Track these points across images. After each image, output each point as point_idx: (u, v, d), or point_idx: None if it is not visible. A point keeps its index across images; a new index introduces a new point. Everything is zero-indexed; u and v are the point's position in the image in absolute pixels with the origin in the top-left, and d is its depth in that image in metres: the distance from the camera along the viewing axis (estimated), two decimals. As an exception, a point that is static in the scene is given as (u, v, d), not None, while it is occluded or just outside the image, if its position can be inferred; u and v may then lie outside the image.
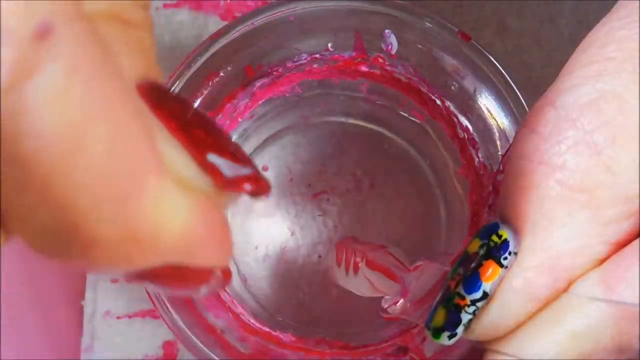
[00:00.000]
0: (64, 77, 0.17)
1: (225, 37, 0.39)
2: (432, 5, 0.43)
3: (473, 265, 0.28)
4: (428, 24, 0.39)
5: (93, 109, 0.17)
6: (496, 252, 0.28)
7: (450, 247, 0.42)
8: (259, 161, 0.44)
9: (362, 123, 0.44)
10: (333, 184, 0.44)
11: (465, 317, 0.28)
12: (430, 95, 0.40)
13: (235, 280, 0.42)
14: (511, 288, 0.28)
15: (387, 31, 0.39)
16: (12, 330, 0.43)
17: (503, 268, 0.28)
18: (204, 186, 0.21)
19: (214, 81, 0.39)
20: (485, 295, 0.28)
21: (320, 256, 0.43)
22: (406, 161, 0.44)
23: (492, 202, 0.38)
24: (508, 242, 0.28)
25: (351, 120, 0.44)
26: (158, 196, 0.19)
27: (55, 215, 0.18)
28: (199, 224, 0.21)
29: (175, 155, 0.21)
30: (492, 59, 0.38)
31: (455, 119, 0.40)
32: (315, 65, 0.41)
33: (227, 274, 0.24)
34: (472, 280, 0.28)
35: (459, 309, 0.28)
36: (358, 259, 0.37)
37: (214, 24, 0.45)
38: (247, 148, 0.43)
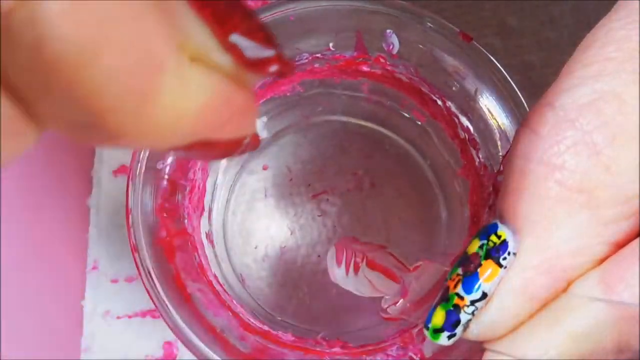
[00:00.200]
0: None
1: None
2: (432, 5, 0.43)
3: (472, 265, 0.28)
4: (429, 24, 0.39)
5: (108, 8, 0.18)
6: (495, 252, 0.28)
7: (450, 247, 0.42)
8: (259, 161, 0.44)
9: (362, 123, 0.44)
10: (333, 184, 0.44)
11: (464, 318, 0.28)
12: (431, 95, 0.40)
13: (235, 280, 0.42)
14: (510, 288, 0.28)
15: (388, 31, 0.39)
16: (12, 330, 0.43)
17: (502, 268, 0.28)
18: (227, 64, 0.21)
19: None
20: (484, 296, 0.28)
21: (319, 256, 0.43)
22: (407, 161, 0.44)
23: (492, 202, 0.38)
24: (507, 242, 0.28)
25: (352, 120, 0.44)
26: (178, 80, 0.20)
27: (81, 112, 0.19)
28: (221, 103, 0.21)
29: (198, 33, 0.21)
30: (493, 60, 0.38)
31: (456, 119, 0.40)
32: (316, 65, 0.41)
33: (255, 139, 0.24)
34: (471, 281, 0.28)
35: (458, 309, 0.28)
36: (358, 259, 0.37)
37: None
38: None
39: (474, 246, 0.29)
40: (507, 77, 0.38)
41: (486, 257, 0.28)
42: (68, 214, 0.46)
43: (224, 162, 0.44)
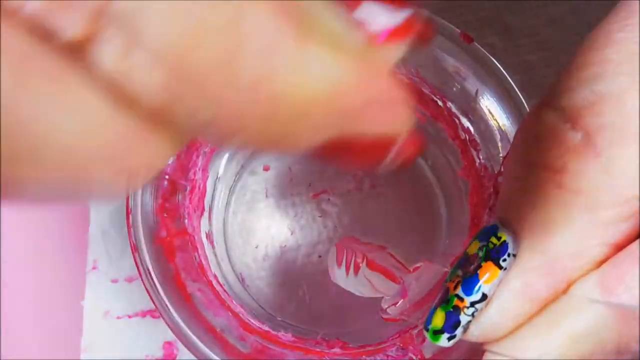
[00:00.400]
0: None
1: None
2: (432, 5, 0.42)
3: (472, 267, 0.28)
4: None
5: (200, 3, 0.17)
6: (495, 253, 0.28)
7: (450, 248, 0.42)
8: (260, 161, 0.44)
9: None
10: (334, 184, 0.44)
11: (464, 319, 0.28)
12: (432, 96, 0.40)
13: (235, 280, 0.42)
14: (510, 290, 0.28)
15: (389, 32, 0.39)
16: (12, 330, 0.43)
17: (502, 270, 0.28)
18: (358, 44, 0.19)
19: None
20: (484, 297, 0.28)
21: (320, 256, 0.43)
22: (407, 162, 0.44)
23: (492, 203, 0.38)
24: (507, 243, 0.28)
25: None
26: (299, 65, 0.18)
27: (200, 109, 0.18)
28: (354, 86, 0.19)
29: (324, 13, 0.19)
30: (494, 61, 0.38)
31: (456, 120, 0.40)
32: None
33: (414, 141, 0.22)
34: (471, 282, 0.28)
35: (458, 310, 0.28)
36: (358, 260, 0.37)
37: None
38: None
39: (474, 247, 0.29)
40: (508, 77, 0.38)
41: (486, 258, 0.28)
42: (68, 214, 0.46)
43: (223, 162, 0.44)
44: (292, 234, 0.43)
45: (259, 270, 0.43)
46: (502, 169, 0.37)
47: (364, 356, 0.39)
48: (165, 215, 0.38)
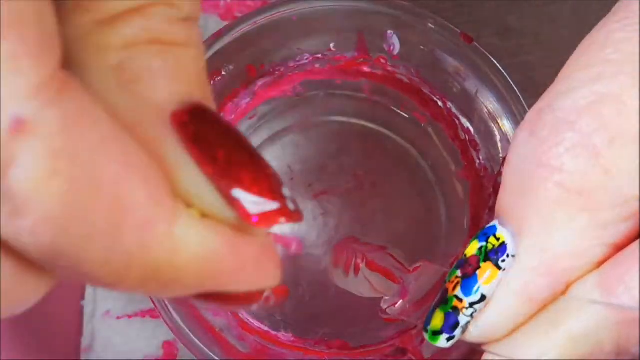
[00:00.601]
0: (47, 161, 0.17)
1: (227, 36, 0.39)
2: (432, 5, 0.43)
3: (471, 267, 0.28)
4: (430, 25, 0.39)
5: (86, 180, 0.18)
6: (494, 254, 0.28)
7: (450, 248, 0.42)
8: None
9: (363, 123, 0.44)
10: (334, 184, 0.44)
11: (463, 320, 0.28)
12: (432, 96, 0.40)
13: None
14: (509, 290, 0.28)
15: (389, 32, 0.39)
16: (12, 330, 0.43)
17: (501, 270, 0.28)
18: (233, 217, 0.21)
19: (216, 80, 0.39)
20: (483, 298, 0.28)
21: (319, 256, 0.43)
22: (407, 162, 0.44)
23: (492, 204, 0.38)
24: (506, 244, 0.28)
25: (352, 121, 0.44)
26: (172, 240, 0.20)
27: (76, 269, 0.19)
28: (225, 255, 0.21)
29: (201, 187, 0.21)
30: (494, 61, 0.38)
31: (456, 121, 0.40)
32: (317, 65, 0.41)
33: (280, 292, 0.24)
34: (470, 283, 0.28)
35: (457, 311, 0.28)
36: (358, 260, 0.37)
37: (214, 23, 0.45)
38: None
39: (473, 248, 0.29)
40: (508, 78, 0.38)
41: (485, 259, 0.28)
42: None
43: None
44: (292, 234, 0.43)
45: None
46: (502, 170, 0.37)
47: (363, 356, 0.39)
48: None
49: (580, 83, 0.27)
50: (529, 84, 0.44)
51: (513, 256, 0.28)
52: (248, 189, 0.21)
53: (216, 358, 0.36)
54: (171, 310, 0.37)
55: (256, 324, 0.39)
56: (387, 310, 0.35)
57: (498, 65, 0.38)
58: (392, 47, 0.39)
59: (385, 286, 0.36)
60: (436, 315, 0.29)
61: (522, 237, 0.28)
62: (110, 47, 0.20)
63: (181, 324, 0.37)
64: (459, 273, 0.29)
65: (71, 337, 0.43)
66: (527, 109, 0.38)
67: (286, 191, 0.21)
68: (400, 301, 0.34)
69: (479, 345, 0.29)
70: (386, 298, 0.35)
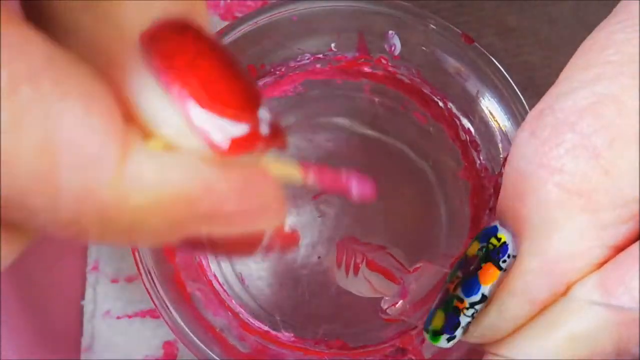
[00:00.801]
0: None
1: (228, 36, 0.39)
2: (432, 5, 0.43)
3: (472, 268, 0.28)
4: (431, 26, 0.39)
5: (11, 114, 0.16)
6: (495, 255, 0.28)
7: (450, 248, 0.42)
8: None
9: (363, 124, 0.44)
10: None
11: (464, 320, 0.28)
12: (433, 97, 0.40)
13: (235, 280, 0.42)
14: (510, 291, 0.28)
15: (390, 32, 0.39)
16: (12, 330, 0.43)
17: (502, 271, 0.28)
18: (200, 149, 0.18)
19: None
20: (484, 298, 0.28)
21: (319, 257, 0.43)
22: (407, 162, 0.44)
23: (493, 204, 0.38)
24: (507, 245, 0.28)
25: (353, 121, 0.44)
26: (123, 177, 0.17)
27: (27, 219, 0.18)
28: (195, 192, 0.18)
29: (165, 112, 0.18)
30: (495, 62, 0.38)
31: (457, 121, 0.40)
32: (318, 66, 0.41)
33: (286, 236, 0.21)
34: (471, 283, 0.28)
35: (457, 311, 0.28)
36: (358, 260, 0.37)
37: (215, 23, 0.45)
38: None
39: (474, 249, 0.29)
40: (509, 79, 0.38)
41: (486, 259, 0.28)
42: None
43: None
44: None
45: (259, 270, 0.43)
46: (503, 170, 0.37)
47: (363, 356, 0.39)
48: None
49: (580, 84, 0.27)
50: (529, 84, 0.44)
51: (514, 257, 0.28)
52: (211, 109, 0.18)
53: (216, 358, 0.36)
54: (171, 310, 0.37)
55: (256, 324, 0.39)
56: (387, 311, 0.35)
57: (499, 65, 0.38)
58: (392, 48, 0.39)
59: (386, 286, 0.36)
60: (437, 315, 0.29)
61: (522, 237, 0.28)
62: None
63: (181, 324, 0.37)
64: (459, 273, 0.29)
65: (71, 337, 0.43)
66: (527, 109, 0.38)
67: (264, 113, 0.19)
68: (401, 301, 0.34)
69: (480, 345, 0.29)
70: (386, 298, 0.35)
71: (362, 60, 0.41)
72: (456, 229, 0.42)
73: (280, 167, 0.19)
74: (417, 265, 0.35)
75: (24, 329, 0.44)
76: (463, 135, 0.40)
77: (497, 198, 0.36)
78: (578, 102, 0.27)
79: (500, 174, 0.37)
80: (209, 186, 0.18)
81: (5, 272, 0.44)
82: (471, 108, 0.39)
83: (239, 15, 0.45)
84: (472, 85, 0.39)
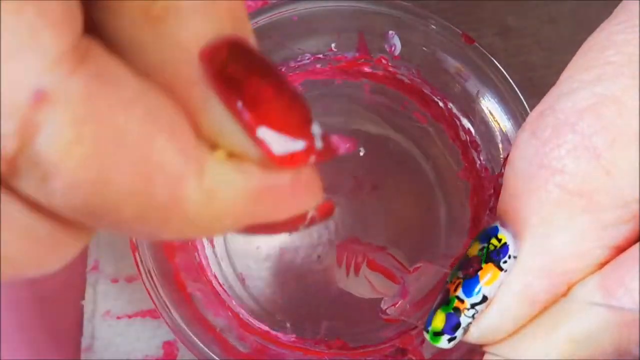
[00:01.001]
0: (71, 128, 0.18)
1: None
2: (432, 5, 0.43)
3: (472, 268, 0.28)
4: (432, 26, 0.39)
5: (111, 142, 0.18)
6: (496, 255, 0.28)
7: (450, 249, 0.42)
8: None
9: (364, 123, 0.44)
10: (334, 184, 0.44)
11: (464, 321, 0.28)
12: (433, 97, 0.40)
13: (235, 280, 0.42)
14: (511, 292, 0.28)
15: (390, 32, 0.39)
16: (13, 330, 0.43)
17: (502, 272, 0.28)
18: (259, 155, 0.20)
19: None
20: (484, 299, 0.28)
21: (319, 257, 0.43)
22: (407, 162, 0.44)
23: (493, 204, 0.38)
24: (508, 245, 0.28)
25: (353, 121, 0.44)
26: (205, 187, 0.20)
27: (113, 226, 0.20)
28: (260, 193, 0.21)
29: (229, 126, 0.20)
30: (495, 62, 0.38)
31: (457, 121, 0.40)
32: (318, 66, 0.41)
33: (324, 208, 0.23)
34: (471, 284, 0.28)
35: (458, 312, 0.28)
36: (358, 260, 0.37)
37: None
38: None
39: (475, 249, 0.29)
40: (509, 78, 0.38)
41: (487, 260, 0.28)
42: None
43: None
44: (292, 234, 0.43)
45: (259, 270, 0.43)
46: (503, 171, 0.37)
47: (363, 356, 0.39)
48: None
49: (581, 84, 0.27)
50: (529, 84, 0.44)
51: (514, 257, 0.28)
52: (272, 127, 0.20)
53: (216, 358, 0.36)
54: (171, 310, 0.37)
55: (256, 323, 0.39)
56: (388, 311, 0.35)
57: (499, 65, 0.38)
58: (393, 48, 0.39)
59: (386, 286, 0.36)
60: (437, 316, 0.29)
61: (523, 238, 0.28)
62: None
63: (181, 324, 0.37)
64: (460, 274, 0.29)
65: (71, 337, 0.43)
66: (527, 109, 0.38)
67: (316, 128, 0.21)
68: (401, 301, 0.34)
69: (480, 346, 0.29)
70: (386, 298, 0.35)
71: (362, 60, 0.40)
72: (456, 229, 0.42)
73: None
74: (417, 265, 0.35)
75: (24, 328, 0.44)
76: (463, 136, 0.40)
77: (497, 198, 0.36)
78: (579, 103, 0.27)
79: (501, 175, 0.37)
80: (271, 187, 0.21)
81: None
82: (471, 108, 0.39)
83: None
84: (473, 85, 0.39)
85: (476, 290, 0.28)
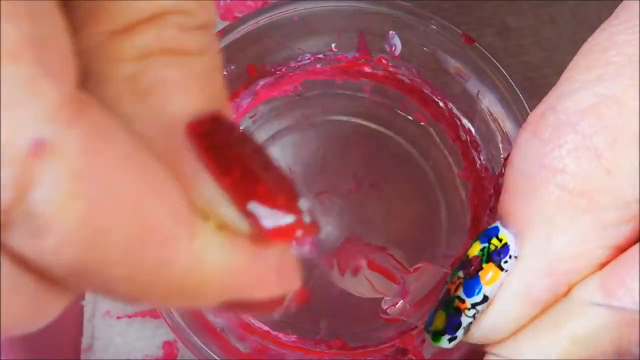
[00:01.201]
0: (69, 183, 0.17)
1: (229, 36, 0.39)
2: (432, 5, 0.43)
3: (473, 268, 0.28)
4: (432, 26, 0.39)
5: (107, 201, 0.18)
6: (496, 255, 0.28)
7: (450, 249, 0.42)
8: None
9: (364, 124, 0.44)
10: (334, 184, 0.44)
11: (465, 321, 0.28)
12: (433, 97, 0.40)
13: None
14: (511, 291, 0.28)
15: (390, 32, 0.39)
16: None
17: (503, 272, 0.28)
18: (249, 230, 0.21)
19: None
20: (485, 299, 0.28)
21: (319, 257, 0.43)
22: (408, 163, 0.44)
23: (493, 204, 0.38)
24: (508, 245, 0.28)
25: (353, 121, 0.44)
26: (194, 254, 0.20)
27: (100, 287, 0.20)
28: (246, 266, 0.21)
29: (219, 199, 0.21)
30: (496, 62, 0.38)
31: (457, 121, 0.40)
32: (318, 66, 0.41)
33: (301, 296, 0.24)
34: (472, 284, 0.28)
35: (459, 312, 0.28)
36: (358, 260, 0.37)
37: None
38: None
39: (475, 249, 0.29)
40: (509, 78, 0.38)
41: (487, 260, 0.28)
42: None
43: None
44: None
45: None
46: (504, 171, 0.37)
47: (363, 356, 0.39)
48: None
49: (582, 85, 0.27)
50: (528, 84, 0.44)
51: (515, 257, 0.28)
52: (263, 202, 0.20)
53: (216, 358, 0.36)
54: (171, 310, 0.37)
55: (257, 324, 0.39)
56: (388, 311, 0.35)
57: (499, 65, 0.38)
58: (393, 48, 0.39)
59: (386, 286, 0.36)
60: (438, 316, 0.29)
61: (524, 238, 0.28)
62: (124, 57, 0.20)
63: (181, 323, 0.37)
64: (461, 274, 0.29)
65: (71, 337, 0.43)
66: (528, 109, 0.38)
67: (303, 203, 0.21)
68: (401, 301, 0.34)
69: (481, 346, 0.29)
70: (387, 298, 0.35)
71: (363, 60, 0.40)
72: (456, 229, 0.42)
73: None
74: (417, 266, 0.35)
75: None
76: (463, 136, 0.40)
77: (497, 198, 0.36)
78: (579, 103, 0.27)
79: (501, 175, 0.37)
80: (257, 261, 0.21)
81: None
82: (471, 108, 0.39)
83: (239, 15, 0.45)
84: (473, 85, 0.39)
85: (477, 290, 0.28)
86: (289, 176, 0.21)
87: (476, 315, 0.28)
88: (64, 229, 0.18)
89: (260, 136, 0.44)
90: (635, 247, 0.27)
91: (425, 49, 0.39)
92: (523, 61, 0.46)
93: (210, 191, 0.20)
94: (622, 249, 0.27)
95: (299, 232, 0.21)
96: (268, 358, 0.38)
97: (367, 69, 0.41)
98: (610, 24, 0.28)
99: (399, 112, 0.43)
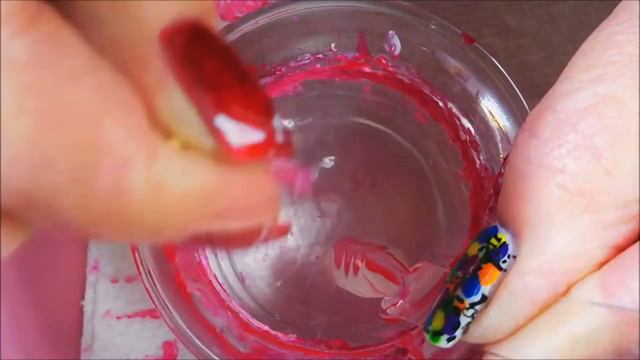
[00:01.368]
0: (14, 97, 0.16)
1: (229, 36, 0.39)
2: (432, 5, 0.43)
3: (472, 268, 0.28)
4: (432, 26, 0.39)
5: (57, 118, 0.17)
6: (495, 255, 0.28)
7: (450, 249, 0.42)
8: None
9: (364, 123, 0.44)
10: (334, 184, 0.44)
11: (464, 320, 0.28)
12: (433, 97, 0.40)
13: (235, 280, 0.42)
14: (510, 291, 0.28)
15: (390, 32, 0.39)
16: (12, 330, 0.43)
17: (502, 271, 0.28)
18: (217, 150, 0.19)
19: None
20: (484, 299, 0.28)
21: (318, 256, 0.43)
22: (407, 162, 0.44)
23: (492, 204, 0.38)
24: (507, 245, 0.28)
25: (353, 121, 0.44)
26: (151, 177, 0.18)
27: (51, 217, 0.18)
28: (213, 191, 0.19)
29: (185, 114, 0.19)
30: (495, 62, 0.38)
31: (457, 121, 0.40)
32: (318, 66, 0.41)
33: (279, 227, 0.22)
34: (471, 284, 0.28)
35: (457, 312, 0.28)
36: (358, 260, 0.37)
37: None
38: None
39: (474, 249, 0.29)
40: (509, 78, 0.38)
41: (486, 260, 0.28)
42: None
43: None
44: (292, 234, 0.43)
45: (259, 270, 0.43)
46: (503, 170, 0.37)
47: (363, 356, 0.39)
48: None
49: (582, 84, 0.27)
50: (528, 84, 0.44)
51: (514, 257, 0.28)
52: (231, 113, 0.19)
53: (216, 358, 0.36)
54: (171, 310, 0.37)
55: (256, 324, 0.39)
56: (388, 311, 0.35)
57: (499, 65, 0.38)
58: (393, 48, 0.39)
59: (385, 286, 0.36)
60: (437, 315, 0.29)
61: (523, 238, 0.28)
62: None
63: (181, 324, 0.37)
64: (460, 274, 0.29)
65: (71, 337, 0.43)
66: (527, 109, 0.38)
67: (277, 122, 0.19)
68: (401, 301, 0.34)
69: (480, 346, 0.29)
70: (386, 298, 0.35)
71: (362, 60, 0.41)
72: (456, 229, 0.42)
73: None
74: (417, 265, 0.35)
75: (24, 329, 0.44)
76: (463, 135, 0.40)
77: (497, 198, 0.36)
78: (579, 103, 0.27)
79: (500, 174, 0.37)
80: (225, 185, 0.19)
81: (5, 273, 0.44)
82: (471, 108, 0.39)
83: (239, 15, 0.45)
84: (472, 85, 0.39)
85: (476, 290, 0.28)
86: (265, 91, 0.20)
87: (475, 315, 0.28)
88: (8, 149, 0.16)
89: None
90: (635, 246, 0.27)
91: (424, 48, 0.39)
92: (523, 61, 0.46)
93: (177, 104, 0.19)
94: (621, 249, 0.27)
95: (269, 152, 0.19)
96: (268, 358, 0.38)
97: (366, 69, 0.41)
98: (610, 23, 0.28)
99: (398, 112, 0.43)
